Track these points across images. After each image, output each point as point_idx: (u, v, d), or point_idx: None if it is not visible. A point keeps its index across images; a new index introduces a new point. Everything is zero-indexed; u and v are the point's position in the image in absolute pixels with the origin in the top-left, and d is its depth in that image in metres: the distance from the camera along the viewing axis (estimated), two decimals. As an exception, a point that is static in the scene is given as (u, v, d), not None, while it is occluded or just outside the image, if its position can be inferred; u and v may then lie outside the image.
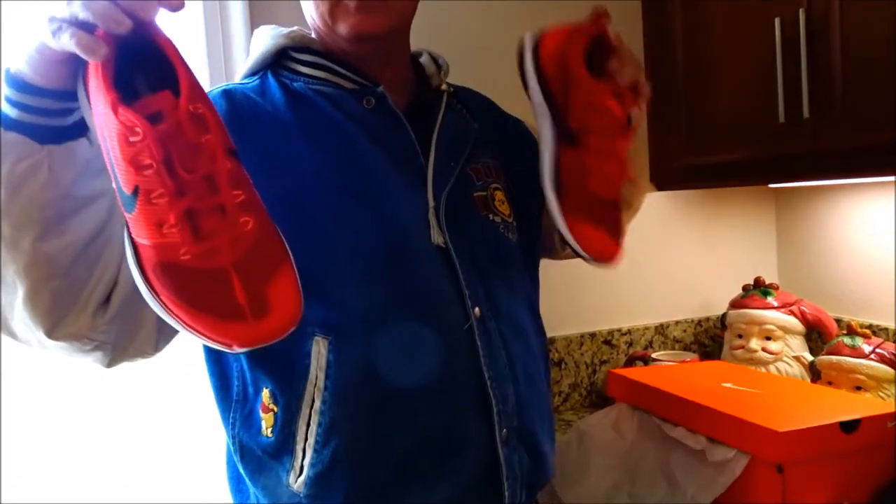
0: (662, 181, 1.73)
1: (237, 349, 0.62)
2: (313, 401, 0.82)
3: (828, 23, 1.21)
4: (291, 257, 0.67)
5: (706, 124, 1.53)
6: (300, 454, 0.82)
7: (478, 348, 0.87)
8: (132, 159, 0.58)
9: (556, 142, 0.92)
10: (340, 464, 0.81)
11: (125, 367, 0.82)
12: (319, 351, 0.82)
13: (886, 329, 1.58)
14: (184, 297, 0.60)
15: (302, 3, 0.93)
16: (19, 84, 0.65)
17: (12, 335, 0.73)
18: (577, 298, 1.75)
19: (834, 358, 1.45)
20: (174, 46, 0.63)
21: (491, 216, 0.95)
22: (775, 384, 1.37)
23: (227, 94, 0.91)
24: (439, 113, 0.96)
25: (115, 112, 0.58)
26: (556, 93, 0.93)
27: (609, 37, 0.93)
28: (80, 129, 0.68)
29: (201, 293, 0.60)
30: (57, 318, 0.71)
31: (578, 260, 0.97)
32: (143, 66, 0.64)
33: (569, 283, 1.72)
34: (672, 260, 1.84)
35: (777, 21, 1.27)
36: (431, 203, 0.89)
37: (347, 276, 0.84)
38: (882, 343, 1.43)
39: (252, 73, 0.95)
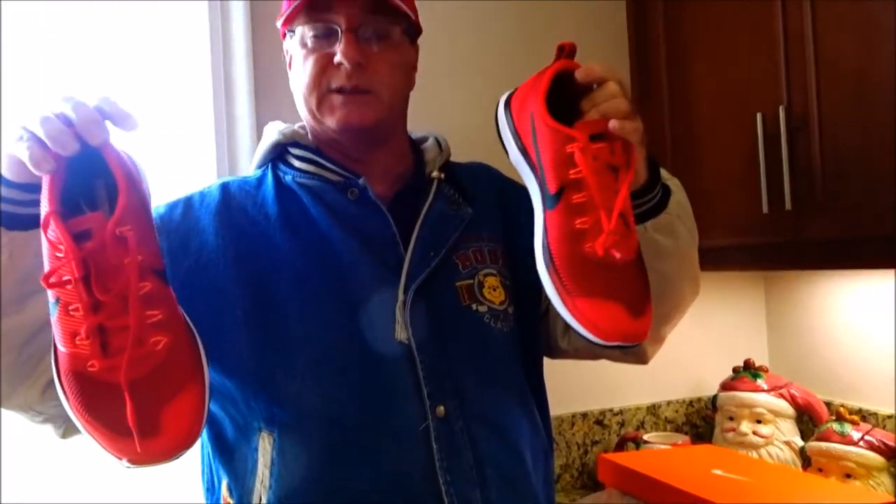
0: (652, 263, 1.76)
1: (127, 465, 0.63)
2: (261, 498, 0.83)
3: (807, 119, 1.26)
4: (204, 376, 0.69)
5: (694, 213, 1.57)
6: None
7: (433, 451, 0.85)
8: (55, 272, 0.62)
9: (542, 207, 0.79)
10: None
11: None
12: (265, 447, 0.84)
13: (876, 414, 1.58)
14: (85, 405, 0.63)
15: (295, 98, 0.97)
16: None
17: None
18: (568, 377, 1.75)
19: (823, 445, 1.45)
20: (124, 166, 0.67)
21: (475, 306, 0.94)
22: (765, 471, 1.37)
23: (224, 186, 0.97)
24: (425, 203, 0.96)
25: (45, 228, 0.63)
26: (531, 152, 0.81)
27: (580, 73, 0.79)
28: None
29: (99, 406, 0.63)
30: (8, 391, 0.76)
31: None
32: (96, 179, 0.69)
33: (559, 361, 1.73)
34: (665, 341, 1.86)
35: (759, 116, 1.32)
36: (400, 297, 0.89)
37: (300, 369, 0.86)
38: (871, 430, 1.44)
39: (260, 165, 1.01)
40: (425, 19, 1.00)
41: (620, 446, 1.72)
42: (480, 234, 0.99)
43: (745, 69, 1.39)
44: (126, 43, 1.48)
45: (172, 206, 0.96)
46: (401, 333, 0.88)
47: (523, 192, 1.01)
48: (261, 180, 0.98)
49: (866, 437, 1.42)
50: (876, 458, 1.39)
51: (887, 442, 1.41)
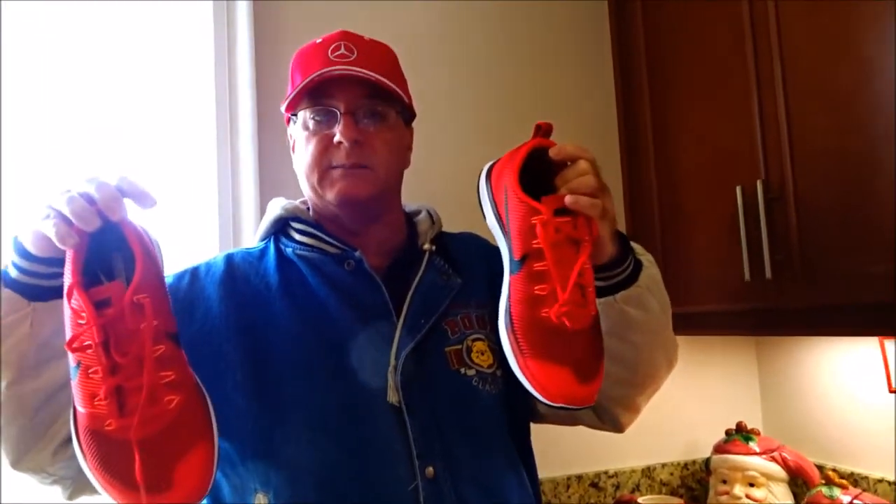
0: (645, 326, 1.81)
1: None
2: None
3: (784, 191, 1.32)
4: (214, 434, 0.74)
5: (682, 278, 1.63)
6: None
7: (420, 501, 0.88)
8: (78, 338, 0.69)
9: (508, 270, 0.84)
10: None
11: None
12: (258, 498, 0.89)
13: (867, 477, 1.60)
14: (100, 462, 0.69)
15: (298, 177, 1.05)
16: (20, 250, 0.77)
17: None
18: (563, 438, 1.76)
19: (813, 509, 1.48)
20: (140, 238, 0.74)
21: (463, 370, 0.98)
22: (755, 535, 1.39)
23: (229, 258, 1.05)
24: (417, 274, 1.03)
25: (69, 297, 0.69)
26: (503, 220, 0.87)
27: (553, 151, 0.85)
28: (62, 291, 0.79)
29: (113, 462, 0.69)
30: (21, 453, 0.82)
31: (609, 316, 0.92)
32: (114, 250, 0.76)
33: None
34: (658, 403, 1.88)
35: (738, 189, 1.39)
36: (392, 362, 0.94)
37: (296, 433, 0.91)
38: (860, 494, 1.46)
39: (263, 238, 1.08)
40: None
41: (614, 509, 1.74)
42: (469, 302, 1.04)
43: (725, 143, 1.47)
44: (131, 77, 1.59)
45: (180, 276, 1.02)
46: (392, 396, 0.93)
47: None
48: (263, 252, 1.06)
49: (854, 501, 1.45)
50: (865, 523, 1.41)
51: (876, 506, 1.43)
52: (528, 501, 0.99)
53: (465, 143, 1.78)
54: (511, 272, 0.82)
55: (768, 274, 1.33)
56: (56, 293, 0.76)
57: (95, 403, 0.69)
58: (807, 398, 1.81)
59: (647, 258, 0.97)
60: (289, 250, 1.03)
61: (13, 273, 0.77)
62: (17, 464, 0.83)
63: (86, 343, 0.68)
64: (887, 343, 1.52)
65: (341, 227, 1.03)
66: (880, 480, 1.57)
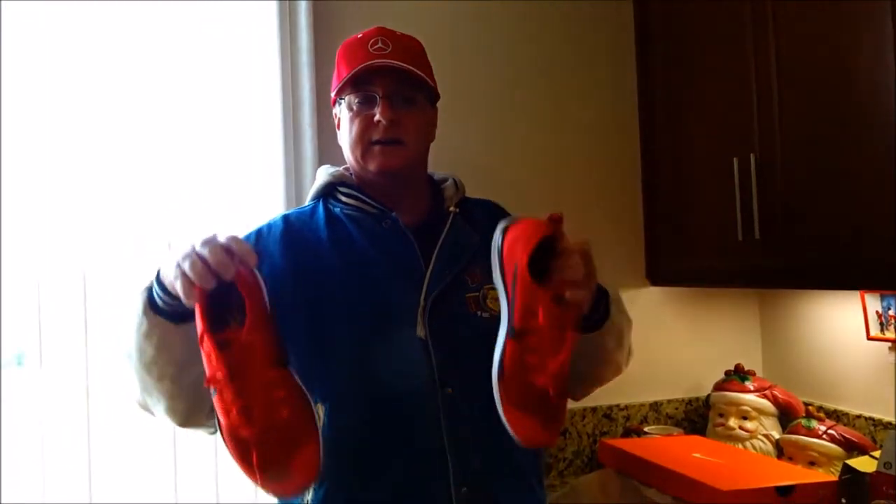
0: (656, 278, 2.04)
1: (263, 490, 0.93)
2: None
3: (773, 164, 1.52)
4: (317, 434, 0.94)
5: (687, 235, 1.85)
6: (307, 493, 1.13)
7: (440, 420, 1.09)
8: (212, 373, 0.90)
9: (506, 332, 0.99)
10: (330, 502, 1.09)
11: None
12: (319, 414, 1.12)
13: (848, 414, 1.82)
14: (238, 455, 0.92)
15: (343, 150, 1.26)
16: (161, 286, 0.98)
17: (150, 414, 1.12)
18: (582, 377, 2.04)
19: (792, 437, 1.71)
20: (249, 287, 0.93)
21: (480, 312, 1.16)
22: (738, 456, 1.63)
23: (286, 217, 1.28)
24: (443, 231, 1.22)
25: (201, 342, 0.90)
26: (509, 287, 1.01)
27: (559, 241, 0.99)
28: None
29: (246, 456, 0.92)
30: (185, 420, 1.10)
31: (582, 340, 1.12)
32: (231, 297, 0.94)
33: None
34: (666, 346, 2.12)
35: (735, 160, 1.59)
36: (421, 303, 1.13)
37: (345, 357, 1.13)
38: (834, 425, 1.69)
39: (315, 198, 1.31)
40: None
41: (625, 437, 1.99)
42: (486, 256, 1.17)
43: (725, 121, 1.67)
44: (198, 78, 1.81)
45: (247, 238, 1.25)
46: (420, 331, 1.13)
47: None
48: (313, 210, 1.28)
49: (829, 431, 1.68)
50: (835, 449, 1.64)
51: (847, 436, 1.66)
52: None
53: (500, 122, 2.01)
54: (510, 335, 0.98)
55: (757, 234, 1.55)
56: (176, 318, 0.98)
57: (230, 416, 0.90)
58: (801, 345, 2.02)
59: (615, 307, 1.15)
60: (336, 210, 1.25)
61: (158, 302, 0.99)
62: (183, 424, 1.10)
63: (218, 376, 0.90)
64: (867, 296, 1.72)
65: (379, 191, 1.24)
66: (858, 416, 1.79)
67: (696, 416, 2.11)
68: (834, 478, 1.47)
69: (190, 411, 1.08)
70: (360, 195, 1.24)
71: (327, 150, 1.81)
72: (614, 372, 1.27)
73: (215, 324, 0.92)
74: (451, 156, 1.75)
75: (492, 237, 1.21)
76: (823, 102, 1.42)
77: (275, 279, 1.16)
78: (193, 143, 1.80)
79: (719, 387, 1.98)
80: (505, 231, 1.05)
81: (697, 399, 2.12)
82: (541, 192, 2.01)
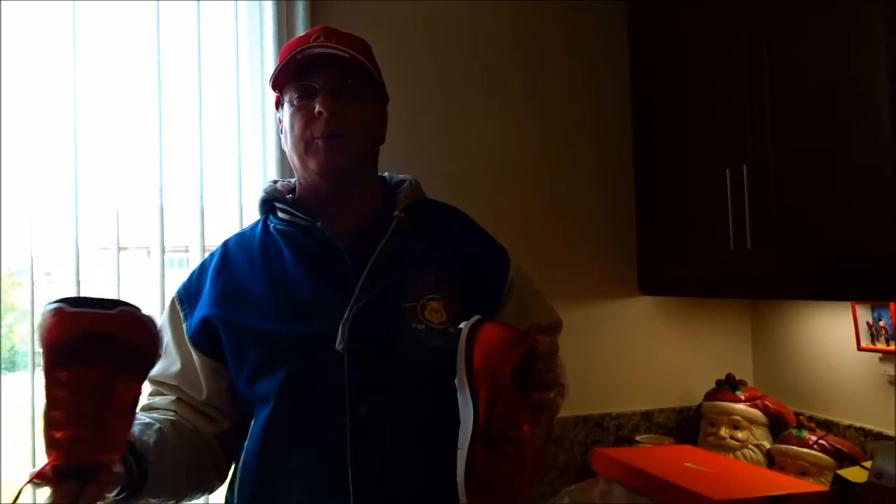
0: (648, 287, 2.05)
1: None
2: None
3: (766, 176, 1.54)
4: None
5: (679, 245, 1.86)
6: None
7: (346, 442, 1.05)
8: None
9: (474, 439, 0.97)
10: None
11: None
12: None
13: (838, 424, 1.83)
14: None
15: (287, 152, 1.22)
16: None
17: None
18: (574, 383, 2.01)
19: (783, 447, 1.72)
20: None
21: (415, 324, 1.11)
22: (729, 466, 1.64)
23: (225, 245, 1.27)
24: (383, 238, 1.15)
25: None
26: (481, 389, 0.98)
27: (538, 352, 0.99)
28: None
29: None
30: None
31: (574, 347, 1.19)
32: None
33: (568, 368, 2.01)
34: (659, 355, 2.13)
35: (728, 172, 1.60)
36: (345, 316, 1.09)
37: (263, 375, 1.11)
38: (825, 436, 1.70)
39: (260, 213, 1.28)
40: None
41: (616, 445, 2.00)
42: (432, 265, 1.17)
43: (719, 134, 1.68)
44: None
45: (191, 275, 1.26)
46: (339, 344, 1.08)
47: (494, 247, 1.26)
48: (253, 228, 1.27)
49: (819, 441, 1.68)
50: (826, 459, 1.65)
51: (838, 446, 1.67)
52: (449, 448, 1.01)
53: (492, 131, 2.02)
54: (479, 440, 0.96)
55: (749, 245, 1.56)
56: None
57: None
58: (792, 355, 2.03)
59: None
60: (271, 226, 1.23)
61: None
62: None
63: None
64: (858, 307, 1.73)
65: (319, 196, 1.20)
66: (848, 427, 1.80)
67: (687, 426, 2.12)
68: (825, 488, 1.47)
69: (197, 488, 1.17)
70: (290, 209, 1.21)
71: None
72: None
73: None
74: (441, 164, 1.77)
75: (444, 245, 1.20)
76: (815, 116, 1.44)
77: (202, 307, 1.19)
78: (185, 144, 1.81)
79: (710, 396, 1.99)
80: (472, 334, 1.01)
81: (688, 408, 2.13)
82: (533, 201, 2.02)
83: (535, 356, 0.98)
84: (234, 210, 1.84)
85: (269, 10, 1.83)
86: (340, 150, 1.15)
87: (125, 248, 1.77)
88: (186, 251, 1.82)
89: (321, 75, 1.15)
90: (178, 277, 1.76)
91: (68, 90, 1.69)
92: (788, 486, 1.44)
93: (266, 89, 1.83)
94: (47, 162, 1.69)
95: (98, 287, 1.78)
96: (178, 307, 1.23)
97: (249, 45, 1.88)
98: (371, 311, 1.11)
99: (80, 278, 1.69)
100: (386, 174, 1.30)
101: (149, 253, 1.80)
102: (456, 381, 1.01)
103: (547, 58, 2.08)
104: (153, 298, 1.76)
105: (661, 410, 2.11)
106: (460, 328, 1.03)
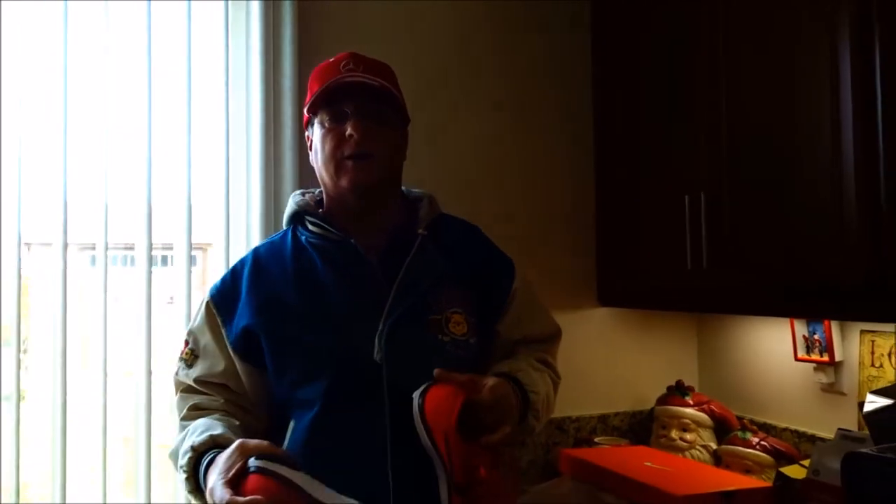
0: (606, 299, 2.20)
1: None
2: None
3: (721, 202, 1.70)
4: None
5: (637, 262, 2.02)
6: None
7: (387, 442, 1.16)
8: None
9: (449, 489, 1.09)
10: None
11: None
12: (290, 424, 1.24)
13: (776, 426, 2.02)
14: None
15: (316, 168, 1.32)
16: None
17: None
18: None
19: (730, 447, 1.89)
20: None
21: (441, 336, 1.22)
22: (683, 465, 1.80)
23: (256, 253, 1.37)
24: (409, 255, 1.26)
25: None
26: (441, 445, 1.10)
27: (476, 401, 1.10)
28: None
29: None
30: None
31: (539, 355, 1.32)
32: None
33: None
34: (614, 363, 2.29)
35: (686, 198, 1.76)
36: (379, 328, 1.20)
37: (305, 382, 1.22)
38: (766, 437, 1.88)
39: (287, 224, 1.38)
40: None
41: (576, 447, 2.14)
42: (452, 280, 1.28)
43: (679, 162, 1.84)
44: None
45: (225, 279, 1.35)
46: (377, 354, 1.19)
47: (502, 260, 1.38)
48: (283, 238, 1.36)
49: (761, 443, 1.86)
50: (767, 458, 1.83)
51: (777, 447, 1.85)
52: None
53: (454, 144, 2.15)
54: (455, 491, 1.09)
55: (705, 265, 1.72)
56: None
57: None
58: (734, 364, 2.22)
59: (536, 396, 1.26)
60: (303, 238, 1.32)
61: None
62: None
63: None
64: (796, 322, 1.92)
65: (349, 212, 1.30)
66: (784, 429, 1.99)
67: (640, 428, 2.28)
68: (769, 484, 1.64)
69: None
70: (322, 223, 1.30)
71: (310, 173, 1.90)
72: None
73: None
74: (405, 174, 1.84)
75: (462, 261, 1.32)
76: (766, 150, 1.60)
77: (243, 316, 1.27)
78: (172, 142, 1.86)
79: (662, 401, 2.15)
80: (423, 396, 1.13)
81: (641, 412, 2.29)
82: (498, 215, 2.11)
83: (475, 405, 1.10)
84: (221, 208, 1.90)
85: (255, 10, 1.90)
86: (369, 170, 1.26)
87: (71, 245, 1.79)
88: (132, 249, 1.85)
89: (352, 101, 1.26)
90: (164, 275, 1.83)
91: (18, 85, 1.72)
92: (737, 483, 1.60)
93: (252, 89, 1.90)
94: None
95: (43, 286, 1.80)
96: (215, 311, 1.31)
97: (234, 45, 1.94)
98: (401, 324, 1.21)
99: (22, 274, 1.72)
100: (403, 188, 1.40)
101: (94, 249, 1.82)
102: (421, 443, 1.11)
103: (512, 73, 2.21)
104: (139, 298, 1.81)
105: (617, 414, 2.27)
106: (413, 397, 1.14)
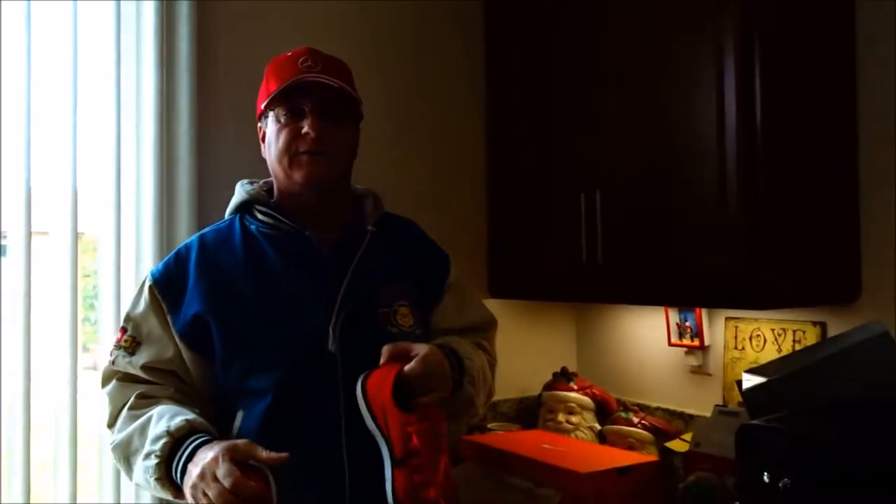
0: (496, 292, 2.30)
1: None
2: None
3: (618, 202, 1.84)
4: None
5: (531, 257, 2.13)
6: None
7: (342, 432, 1.19)
8: None
9: (391, 464, 1.13)
10: None
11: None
12: (238, 414, 1.23)
13: (648, 406, 2.20)
14: None
15: (268, 161, 1.33)
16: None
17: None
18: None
19: (614, 427, 2.06)
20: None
21: (389, 328, 1.27)
22: (576, 446, 1.93)
23: (202, 239, 1.35)
24: (359, 251, 1.31)
25: None
26: (381, 423, 1.14)
27: (407, 373, 1.14)
28: None
29: None
30: None
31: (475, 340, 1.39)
32: None
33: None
34: (502, 352, 2.38)
35: (582, 196, 1.89)
36: (333, 320, 1.23)
37: (262, 374, 1.22)
38: (645, 417, 2.06)
39: (232, 213, 1.37)
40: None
41: (470, 433, 2.22)
42: (399, 275, 1.34)
43: (575, 162, 1.96)
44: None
45: (167, 262, 1.32)
46: (332, 345, 1.23)
47: (439, 255, 1.45)
48: (230, 227, 1.35)
49: (642, 422, 2.04)
50: (647, 435, 2.00)
51: (656, 425, 2.03)
52: None
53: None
54: (394, 466, 1.13)
55: (600, 260, 1.85)
56: None
57: None
58: (611, 349, 2.40)
59: (470, 362, 1.32)
60: (252, 227, 1.32)
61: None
62: None
63: None
64: (670, 310, 2.11)
65: (299, 206, 1.31)
66: (656, 408, 2.18)
67: (527, 414, 2.40)
68: (656, 458, 1.81)
69: None
70: (275, 213, 1.31)
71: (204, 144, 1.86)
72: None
73: None
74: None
75: (406, 256, 1.37)
76: (658, 147, 1.75)
77: (192, 303, 1.26)
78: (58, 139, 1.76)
79: (549, 387, 2.28)
80: (364, 379, 1.18)
81: (527, 398, 2.41)
82: (391, 209, 2.16)
83: (408, 377, 1.15)
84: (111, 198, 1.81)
85: (149, 9, 1.82)
86: (324, 165, 1.28)
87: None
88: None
89: (309, 98, 1.27)
90: None
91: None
92: (631, 459, 1.75)
93: (143, 85, 1.82)
94: None
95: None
96: (159, 297, 1.27)
97: (125, 44, 1.84)
98: (354, 317, 1.25)
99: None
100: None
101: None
102: (367, 426, 1.16)
103: (401, 59, 2.24)
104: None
105: (505, 401, 2.38)
106: (360, 379, 1.18)
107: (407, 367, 1.15)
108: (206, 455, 1.07)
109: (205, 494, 1.04)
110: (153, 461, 1.13)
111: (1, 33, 1.65)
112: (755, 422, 1.34)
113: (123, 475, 1.69)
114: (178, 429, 1.13)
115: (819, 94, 1.67)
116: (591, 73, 1.91)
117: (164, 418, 1.16)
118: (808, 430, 1.28)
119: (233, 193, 1.39)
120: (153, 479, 1.13)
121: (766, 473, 1.25)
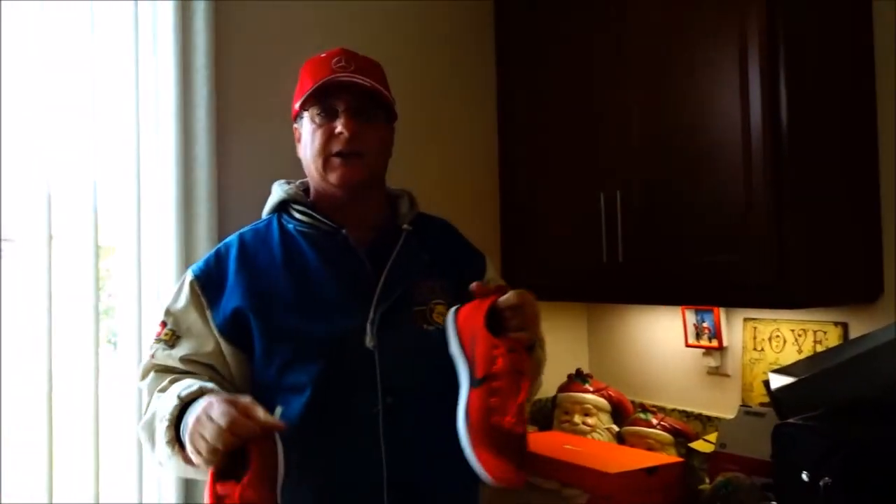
0: (512, 294, 2.29)
1: None
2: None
3: (638, 201, 1.83)
4: None
5: (546, 258, 2.13)
6: None
7: (379, 427, 1.19)
8: None
9: (468, 385, 1.12)
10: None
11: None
12: (277, 409, 1.20)
13: (664, 408, 2.20)
14: None
15: (303, 162, 1.33)
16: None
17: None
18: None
19: (633, 428, 2.05)
20: (261, 450, 1.01)
21: (426, 326, 1.28)
22: (598, 446, 1.93)
23: (241, 238, 1.35)
24: (395, 250, 1.31)
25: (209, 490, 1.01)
26: (467, 348, 1.16)
27: (503, 303, 1.15)
28: None
29: None
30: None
31: None
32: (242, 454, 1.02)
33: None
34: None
35: (602, 196, 1.88)
36: (370, 317, 1.24)
37: (300, 370, 1.22)
38: (665, 417, 2.05)
39: (270, 213, 1.38)
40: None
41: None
42: (434, 274, 1.34)
43: (592, 162, 1.96)
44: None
45: (207, 260, 1.33)
46: (370, 342, 1.24)
47: (475, 254, 1.45)
48: (268, 227, 1.35)
49: (661, 423, 2.03)
50: (667, 437, 2.00)
51: (675, 426, 2.03)
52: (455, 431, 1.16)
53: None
54: (473, 386, 1.12)
55: (621, 259, 1.85)
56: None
57: None
58: (625, 350, 2.39)
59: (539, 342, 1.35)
60: (290, 226, 1.33)
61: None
62: None
63: None
64: (687, 311, 2.11)
65: (335, 206, 1.32)
66: (673, 410, 2.18)
67: (540, 416, 2.39)
68: (682, 459, 1.81)
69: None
70: (312, 212, 1.31)
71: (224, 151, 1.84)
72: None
73: (221, 473, 1.00)
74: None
75: (441, 255, 1.38)
76: (673, 156, 1.75)
77: (231, 298, 1.27)
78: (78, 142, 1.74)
79: (564, 388, 2.27)
80: (456, 310, 1.21)
81: (541, 400, 2.40)
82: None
83: (503, 307, 1.16)
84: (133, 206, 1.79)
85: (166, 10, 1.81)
86: (358, 167, 1.28)
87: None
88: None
89: (343, 99, 1.27)
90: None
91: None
92: (654, 460, 1.75)
93: (161, 85, 1.80)
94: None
95: None
96: (200, 292, 1.28)
97: (143, 44, 1.82)
98: (390, 314, 1.26)
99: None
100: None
101: None
102: (450, 352, 1.18)
103: (415, 57, 2.23)
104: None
105: (520, 403, 2.37)
106: (449, 311, 1.23)
107: (502, 298, 1.16)
108: (202, 402, 1.07)
109: (202, 437, 1.02)
110: (164, 424, 1.12)
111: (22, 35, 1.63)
112: (791, 420, 1.34)
113: (144, 478, 1.70)
114: (189, 394, 1.12)
115: (841, 96, 1.68)
116: (612, 73, 1.90)
117: (181, 387, 1.15)
118: (845, 428, 1.28)
119: (251, 192, 1.41)
120: (166, 443, 1.12)
121: (804, 472, 1.25)
